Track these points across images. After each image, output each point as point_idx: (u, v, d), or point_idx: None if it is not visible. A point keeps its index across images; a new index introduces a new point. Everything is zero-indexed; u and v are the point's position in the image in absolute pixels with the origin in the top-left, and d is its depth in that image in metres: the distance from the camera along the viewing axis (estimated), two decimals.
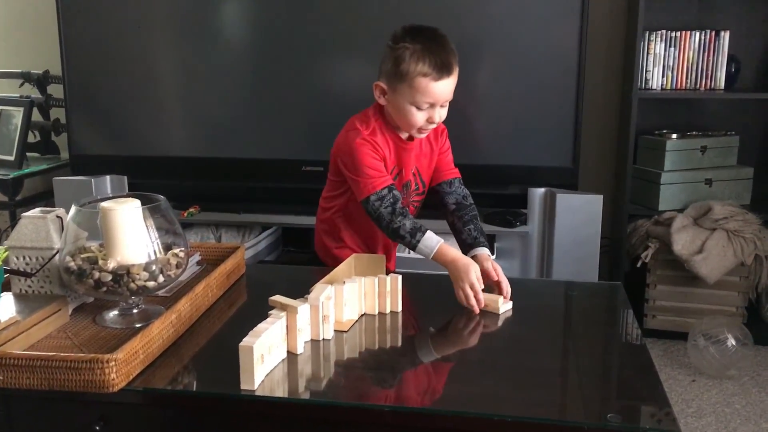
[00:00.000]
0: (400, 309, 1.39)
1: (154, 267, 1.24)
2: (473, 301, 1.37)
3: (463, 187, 1.71)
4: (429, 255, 1.48)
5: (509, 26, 2.42)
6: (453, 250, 1.47)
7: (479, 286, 1.38)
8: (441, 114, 1.54)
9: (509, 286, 1.43)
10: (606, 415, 0.99)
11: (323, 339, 1.25)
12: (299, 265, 2.69)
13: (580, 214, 2.34)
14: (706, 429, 2.04)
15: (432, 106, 1.51)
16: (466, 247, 1.59)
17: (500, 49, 2.46)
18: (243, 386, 1.07)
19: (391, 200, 1.53)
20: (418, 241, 1.49)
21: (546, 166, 2.48)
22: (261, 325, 1.13)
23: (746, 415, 2.13)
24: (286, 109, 2.63)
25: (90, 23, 2.66)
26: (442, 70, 1.48)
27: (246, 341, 1.07)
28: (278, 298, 1.22)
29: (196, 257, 1.59)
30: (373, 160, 1.55)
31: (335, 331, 1.28)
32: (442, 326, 1.36)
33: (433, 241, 1.48)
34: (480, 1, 2.45)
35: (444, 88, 1.50)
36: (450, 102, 1.55)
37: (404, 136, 1.62)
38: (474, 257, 1.52)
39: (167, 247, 1.28)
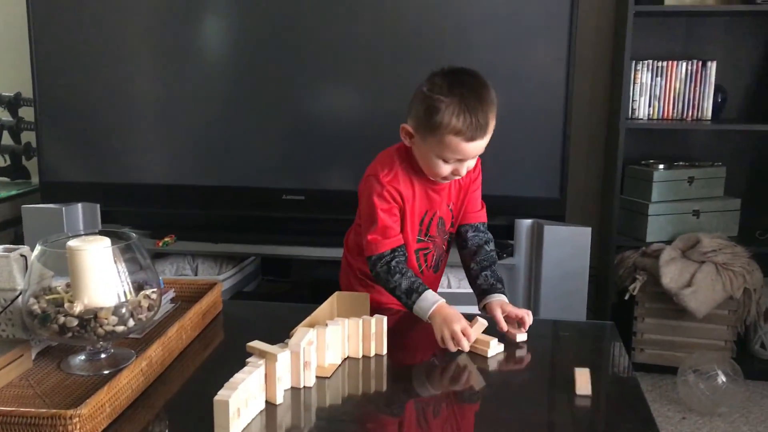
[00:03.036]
0: (385, 352, 1.32)
1: (123, 310, 1.16)
2: (450, 343, 1.32)
3: (487, 233, 1.63)
4: (425, 316, 1.40)
5: (495, 55, 2.38)
6: (450, 309, 1.39)
7: (461, 335, 1.31)
8: (469, 165, 1.48)
9: (529, 316, 1.41)
10: None
11: (304, 387, 1.18)
12: (278, 298, 2.65)
13: (567, 246, 2.29)
14: None
15: (461, 160, 1.45)
16: (481, 293, 1.52)
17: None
18: None
19: (389, 259, 1.48)
20: (414, 302, 1.43)
21: (533, 197, 2.43)
22: (238, 376, 1.05)
23: None
24: (266, 136, 2.57)
25: (63, 43, 2.58)
26: (477, 132, 1.40)
27: (221, 395, 1.00)
28: (256, 344, 1.15)
29: (170, 294, 1.51)
30: (386, 218, 1.49)
31: (317, 377, 1.21)
32: (429, 371, 1.29)
33: (428, 301, 1.41)
34: (465, 31, 2.42)
35: (475, 147, 1.43)
36: None
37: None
38: (488, 304, 1.47)
39: (138, 287, 1.21)
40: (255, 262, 2.79)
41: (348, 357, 1.31)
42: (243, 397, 1.03)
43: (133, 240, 1.20)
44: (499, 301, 1.46)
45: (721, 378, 2.27)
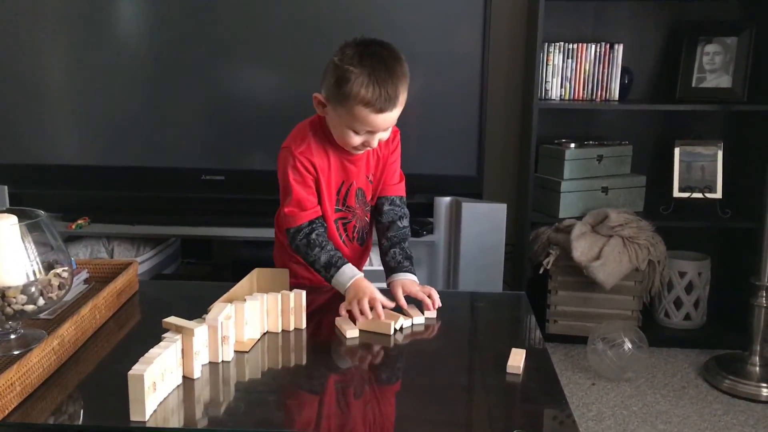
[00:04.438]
0: (304, 326, 1.34)
1: (33, 289, 1.14)
2: (356, 310, 1.35)
3: (403, 208, 1.63)
4: (342, 289, 1.43)
5: (412, 36, 2.41)
6: (366, 283, 1.41)
7: (365, 305, 1.34)
8: (381, 137, 1.47)
9: (436, 295, 1.42)
10: (512, 431, 0.99)
11: (222, 361, 1.18)
12: (199, 280, 2.61)
13: (485, 222, 2.36)
14: None
15: (371, 132, 1.44)
16: (388, 271, 1.54)
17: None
18: (133, 417, 0.99)
19: (307, 232, 1.49)
20: (332, 276, 1.45)
21: (451, 175, 2.49)
22: (153, 350, 1.05)
23: (643, 417, 2.20)
24: (184, 116, 2.53)
25: None
26: (386, 103, 1.38)
27: (136, 369, 0.99)
28: (172, 319, 1.15)
29: (83, 275, 1.48)
30: (300, 190, 1.49)
31: (236, 351, 1.22)
32: (349, 345, 1.31)
33: (346, 275, 1.43)
34: (382, 10, 2.44)
35: (385, 119, 1.41)
36: None
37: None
38: (391, 283, 1.49)
39: (49, 267, 1.19)
40: (174, 244, 2.74)
41: (267, 332, 1.32)
42: (158, 371, 1.03)
43: (41, 217, 1.18)
44: (401, 280, 1.48)
45: (627, 345, 2.40)
